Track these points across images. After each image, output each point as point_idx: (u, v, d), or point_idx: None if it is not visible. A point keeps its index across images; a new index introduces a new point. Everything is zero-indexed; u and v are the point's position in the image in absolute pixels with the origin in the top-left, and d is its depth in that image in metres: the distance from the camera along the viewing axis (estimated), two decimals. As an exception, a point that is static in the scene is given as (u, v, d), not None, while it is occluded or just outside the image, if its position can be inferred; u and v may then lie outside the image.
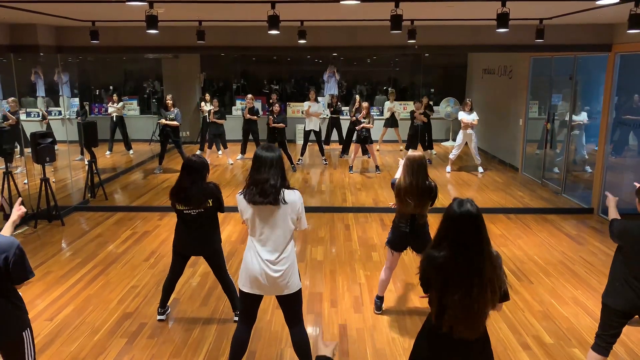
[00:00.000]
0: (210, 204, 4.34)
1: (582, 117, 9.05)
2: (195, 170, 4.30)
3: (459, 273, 2.49)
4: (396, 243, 4.70)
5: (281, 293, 3.49)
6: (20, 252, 2.87)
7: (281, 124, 10.50)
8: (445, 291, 2.52)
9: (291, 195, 3.38)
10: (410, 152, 4.52)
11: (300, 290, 3.56)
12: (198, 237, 4.44)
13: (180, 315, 4.85)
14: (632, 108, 8.40)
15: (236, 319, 4.67)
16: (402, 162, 4.57)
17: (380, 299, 4.93)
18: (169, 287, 4.72)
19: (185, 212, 4.34)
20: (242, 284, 3.51)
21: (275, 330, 4.57)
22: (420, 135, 11.18)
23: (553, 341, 4.45)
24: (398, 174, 4.59)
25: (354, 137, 10.66)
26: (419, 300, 5.13)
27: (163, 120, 10.23)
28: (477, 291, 2.47)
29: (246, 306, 3.63)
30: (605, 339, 3.62)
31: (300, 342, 3.63)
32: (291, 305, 3.59)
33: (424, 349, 2.73)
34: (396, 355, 4.21)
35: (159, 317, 4.74)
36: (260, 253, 3.42)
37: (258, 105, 12.57)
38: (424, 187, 4.39)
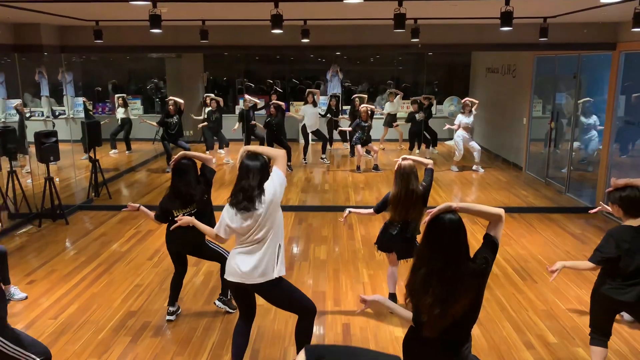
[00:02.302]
0: (195, 210, 4.41)
1: (592, 120, 8.99)
2: (184, 171, 4.37)
3: (437, 279, 2.45)
4: (382, 243, 4.84)
5: (256, 281, 3.48)
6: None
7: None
8: (423, 295, 2.49)
9: (266, 196, 3.39)
10: (400, 161, 4.60)
11: (277, 279, 3.52)
12: (187, 235, 4.36)
13: (184, 314, 4.86)
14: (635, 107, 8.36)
15: (221, 299, 4.82)
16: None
17: (392, 297, 4.93)
18: (176, 285, 4.76)
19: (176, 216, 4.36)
20: (227, 273, 3.59)
21: (278, 329, 4.58)
22: (419, 134, 11.24)
23: (557, 340, 4.44)
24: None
25: (354, 140, 10.66)
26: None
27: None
28: (451, 297, 2.43)
29: (236, 299, 3.73)
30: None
31: (300, 330, 3.68)
32: (271, 296, 3.60)
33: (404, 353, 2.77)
34: (399, 354, 4.20)
35: (168, 318, 4.73)
36: (242, 251, 3.49)
37: (260, 104, 12.53)
38: (414, 195, 4.50)
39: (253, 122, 11.23)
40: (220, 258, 4.64)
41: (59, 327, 4.62)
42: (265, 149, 3.59)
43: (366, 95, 11.37)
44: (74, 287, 5.42)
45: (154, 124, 10.62)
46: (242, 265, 3.47)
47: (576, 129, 9.13)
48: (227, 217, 3.46)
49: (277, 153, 3.56)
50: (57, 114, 9.16)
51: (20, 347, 3.02)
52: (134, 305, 5.04)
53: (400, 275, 5.13)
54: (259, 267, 3.45)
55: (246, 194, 3.36)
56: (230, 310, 4.83)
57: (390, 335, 4.49)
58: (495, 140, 12.26)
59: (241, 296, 3.67)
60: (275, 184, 3.45)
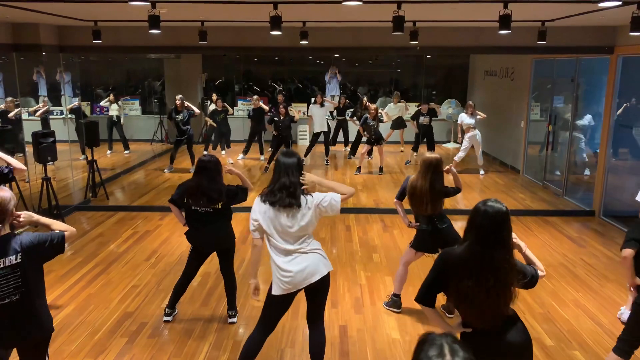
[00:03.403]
0: (220, 207, 4.43)
1: (586, 121, 9.01)
2: (210, 169, 4.40)
3: (475, 265, 2.59)
4: (419, 243, 4.74)
5: (312, 280, 3.42)
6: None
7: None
8: (461, 284, 2.60)
9: (306, 201, 3.43)
10: (427, 154, 4.63)
11: (328, 278, 3.53)
12: (213, 231, 4.49)
13: (180, 315, 4.85)
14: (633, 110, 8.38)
15: (230, 320, 4.71)
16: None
17: (397, 297, 4.91)
18: (180, 289, 4.71)
19: (197, 210, 4.44)
20: (275, 289, 3.45)
21: (275, 331, 4.55)
22: (424, 135, 11.27)
23: (554, 343, 4.44)
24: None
25: (365, 139, 10.67)
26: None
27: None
28: (490, 285, 2.57)
29: (270, 312, 3.58)
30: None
31: (319, 344, 3.64)
32: (317, 295, 3.57)
33: None
34: (397, 356, 4.20)
35: (165, 318, 4.72)
36: (283, 251, 3.41)
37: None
38: (437, 189, 4.48)
39: (266, 131, 11.30)
40: (232, 277, 4.69)
41: (56, 327, 4.56)
42: (333, 185, 3.58)
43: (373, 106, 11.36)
44: (71, 288, 5.41)
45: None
46: (307, 266, 3.39)
47: (574, 132, 9.14)
48: (258, 211, 3.40)
49: (345, 190, 3.52)
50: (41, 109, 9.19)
51: None
52: (131, 306, 5.03)
53: (409, 280, 5.07)
54: (321, 260, 3.47)
55: (289, 191, 3.37)
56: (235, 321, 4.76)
57: (388, 337, 4.49)
58: (493, 143, 12.27)
59: (285, 306, 3.57)
60: (329, 199, 3.42)
